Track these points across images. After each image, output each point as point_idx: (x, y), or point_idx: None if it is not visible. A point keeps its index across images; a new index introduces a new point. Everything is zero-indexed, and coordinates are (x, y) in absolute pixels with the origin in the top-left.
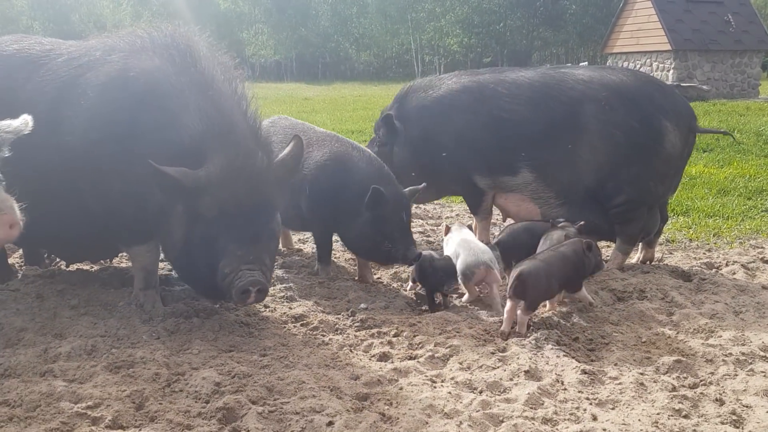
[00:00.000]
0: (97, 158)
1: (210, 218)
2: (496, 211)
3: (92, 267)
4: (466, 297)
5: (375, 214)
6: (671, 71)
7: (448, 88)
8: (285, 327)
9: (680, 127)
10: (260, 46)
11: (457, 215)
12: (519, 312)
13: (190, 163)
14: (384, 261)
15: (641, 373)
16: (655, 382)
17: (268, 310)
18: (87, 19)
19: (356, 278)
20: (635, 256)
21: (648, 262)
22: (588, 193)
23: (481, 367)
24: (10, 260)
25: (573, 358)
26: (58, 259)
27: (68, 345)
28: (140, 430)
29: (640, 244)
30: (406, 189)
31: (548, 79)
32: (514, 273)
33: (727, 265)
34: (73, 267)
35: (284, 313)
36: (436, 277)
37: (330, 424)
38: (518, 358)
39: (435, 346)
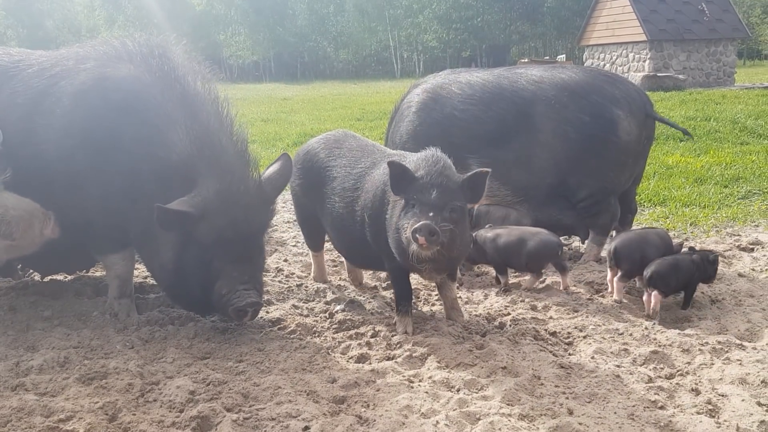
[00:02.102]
0: (73, 167)
1: (206, 242)
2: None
3: (66, 277)
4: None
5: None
6: (647, 61)
7: (413, 89)
8: (262, 332)
9: (634, 114)
10: (237, 48)
11: None
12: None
13: (177, 183)
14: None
15: (618, 365)
16: (631, 374)
17: None
18: (61, 24)
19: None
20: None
21: None
22: (551, 190)
23: (458, 365)
24: None
25: (550, 352)
26: (31, 271)
27: (40, 357)
28: None
29: (614, 236)
30: None
31: (502, 80)
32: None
33: None
34: (47, 278)
35: (261, 317)
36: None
37: (306, 429)
38: (496, 354)
39: (413, 345)
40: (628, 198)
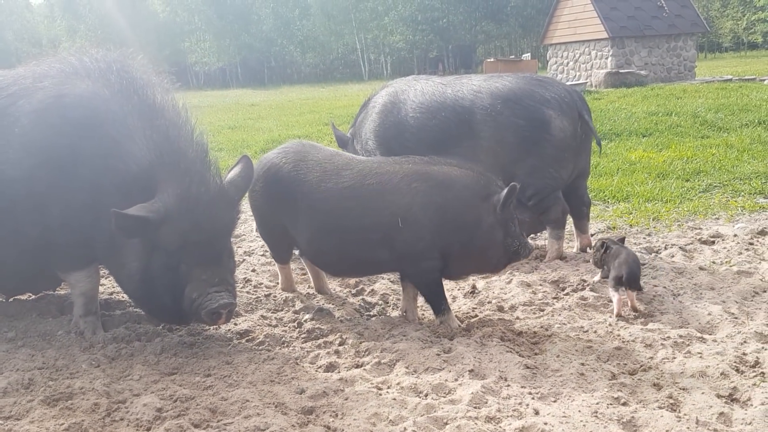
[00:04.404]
0: (34, 186)
1: (170, 247)
2: None
3: (29, 296)
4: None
5: (507, 215)
6: (609, 58)
7: (380, 90)
8: (230, 344)
9: (565, 112)
10: (203, 54)
11: None
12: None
13: (138, 192)
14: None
15: (582, 363)
16: (595, 371)
17: (212, 328)
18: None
19: (310, 289)
20: (573, 246)
21: (587, 250)
22: None
23: (426, 369)
24: None
25: (516, 353)
26: None
27: (4, 380)
28: None
29: (575, 233)
30: None
31: (446, 89)
32: None
33: (665, 248)
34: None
35: (229, 329)
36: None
37: None
38: (463, 357)
39: (382, 351)
40: (579, 191)
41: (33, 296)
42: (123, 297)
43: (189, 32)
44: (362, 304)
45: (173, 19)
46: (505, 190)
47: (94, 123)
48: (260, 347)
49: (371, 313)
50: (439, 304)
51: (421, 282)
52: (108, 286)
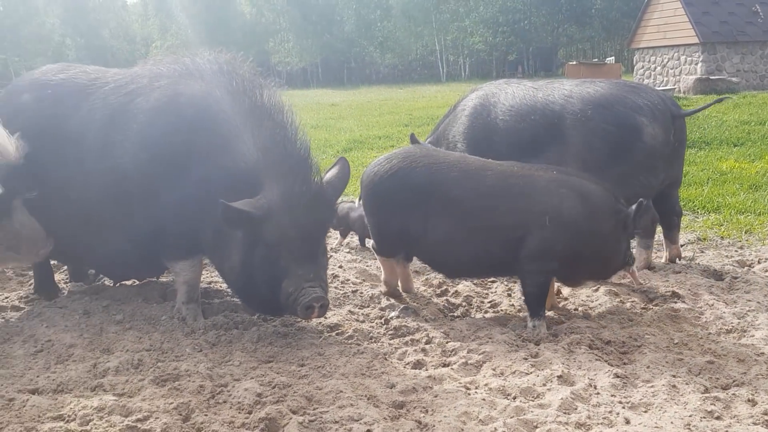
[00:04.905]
0: (148, 179)
1: (271, 242)
2: None
3: (133, 282)
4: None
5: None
6: (699, 64)
7: (470, 93)
8: (321, 337)
9: (658, 119)
10: (285, 54)
11: None
12: None
13: (244, 188)
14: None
15: (673, 375)
16: (687, 384)
17: (302, 320)
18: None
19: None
20: (662, 256)
21: (677, 260)
22: None
23: (514, 372)
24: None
25: (605, 362)
26: (101, 276)
27: (116, 360)
28: None
29: (664, 242)
30: None
31: (537, 93)
32: None
33: (759, 262)
34: (117, 284)
35: (320, 322)
36: None
37: None
38: (551, 363)
39: (468, 352)
40: (670, 200)
41: (137, 282)
42: (221, 287)
43: (273, 32)
44: (446, 304)
45: (259, 20)
46: (635, 206)
47: (206, 122)
48: (349, 341)
49: (455, 314)
50: (539, 308)
51: (532, 282)
52: (206, 276)
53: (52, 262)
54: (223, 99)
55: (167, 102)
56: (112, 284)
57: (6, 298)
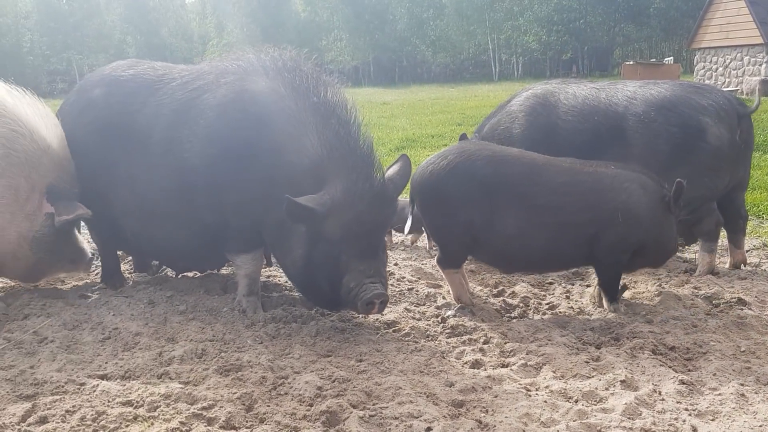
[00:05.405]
0: (214, 175)
1: (333, 238)
2: None
3: (195, 274)
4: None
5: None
6: (764, 65)
7: (522, 92)
8: (378, 333)
9: (723, 120)
10: (338, 53)
11: None
12: None
13: (308, 184)
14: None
15: (742, 384)
16: (756, 393)
17: (360, 316)
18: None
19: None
20: (726, 262)
21: (742, 266)
22: None
23: (575, 376)
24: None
25: (670, 368)
26: (164, 267)
27: (180, 349)
28: (251, 431)
29: (728, 247)
30: None
31: (600, 93)
32: None
33: None
34: (180, 275)
35: (377, 319)
36: None
37: (428, 429)
38: (613, 367)
39: (527, 354)
40: (736, 204)
41: (199, 274)
42: (280, 280)
43: (326, 31)
44: (503, 305)
45: (313, 18)
46: (673, 188)
47: (271, 118)
48: (407, 338)
49: (512, 315)
50: (615, 292)
51: (609, 273)
52: (265, 270)
53: (118, 253)
54: (288, 95)
55: (233, 98)
56: (174, 275)
57: (74, 286)
